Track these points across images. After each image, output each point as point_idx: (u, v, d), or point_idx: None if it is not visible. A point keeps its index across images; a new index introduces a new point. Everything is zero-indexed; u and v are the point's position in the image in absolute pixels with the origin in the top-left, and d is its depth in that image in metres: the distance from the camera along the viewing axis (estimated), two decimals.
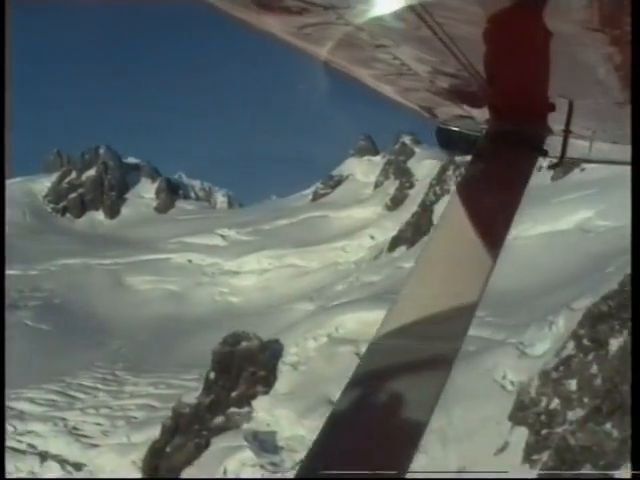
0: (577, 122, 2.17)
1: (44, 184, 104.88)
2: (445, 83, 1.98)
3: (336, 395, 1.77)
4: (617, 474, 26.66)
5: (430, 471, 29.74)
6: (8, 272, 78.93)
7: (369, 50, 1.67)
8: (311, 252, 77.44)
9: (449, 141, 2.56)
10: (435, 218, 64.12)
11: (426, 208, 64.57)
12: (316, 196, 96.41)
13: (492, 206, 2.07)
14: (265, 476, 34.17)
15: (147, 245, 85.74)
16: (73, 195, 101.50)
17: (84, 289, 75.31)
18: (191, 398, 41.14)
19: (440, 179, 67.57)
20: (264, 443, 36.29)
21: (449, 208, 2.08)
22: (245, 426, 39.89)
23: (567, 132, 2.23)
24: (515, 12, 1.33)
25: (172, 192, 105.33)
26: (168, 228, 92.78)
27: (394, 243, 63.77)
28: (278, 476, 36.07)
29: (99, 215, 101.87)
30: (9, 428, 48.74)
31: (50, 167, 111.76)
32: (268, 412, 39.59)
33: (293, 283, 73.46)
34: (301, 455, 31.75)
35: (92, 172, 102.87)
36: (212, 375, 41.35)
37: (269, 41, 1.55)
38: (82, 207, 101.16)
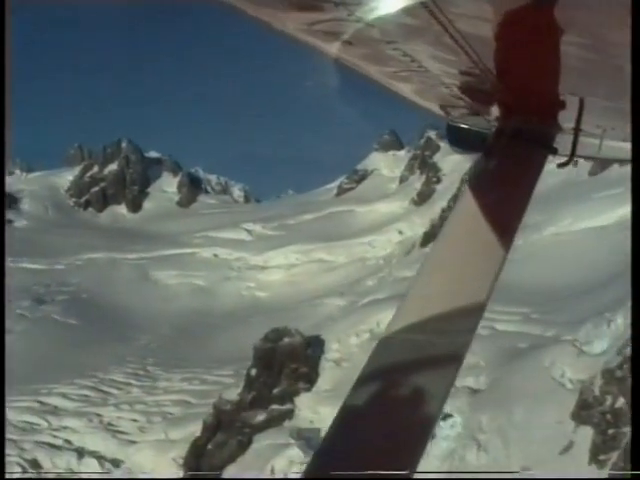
0: (587, 120, 2.17)
1: (66, 178, 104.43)
2: (456, 80, 1.97)
3: None
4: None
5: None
6: (33, 266, 78.81)
7: (380, 47, 1.65)
8: (338, 247, 76.79)
9: (459, 138, 2.52)
10: None
11: None
12: (340, 191, 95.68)
13: (502, 203, 2.06)
14: None
15: (172, 239, 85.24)
16: (95, 189, 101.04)
17: (111, 283, 74.90)
18: (232, 394, 40.66)
19: None
20: (310, 441, 35.77)
21: (459, 205, 2.09)
22: (287, 423, 39.44)
23: (577, 130, 2.22)
24: (526, 9, 1.34)
25: (194, 186, 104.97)
26: (192, 222, 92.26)
27: (427, 238, 63.11)
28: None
29: (121, 209, 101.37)
30: (43, 423, 48.48)
31: (72, 161, 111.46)
32: (311, 409, 39.11)
33: (321, 278, 72.88)
34: None
35: (114, 166, 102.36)
36: (253, 371, 40.85)
37: (284, 40, 1.55)
38: (104, 201, 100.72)
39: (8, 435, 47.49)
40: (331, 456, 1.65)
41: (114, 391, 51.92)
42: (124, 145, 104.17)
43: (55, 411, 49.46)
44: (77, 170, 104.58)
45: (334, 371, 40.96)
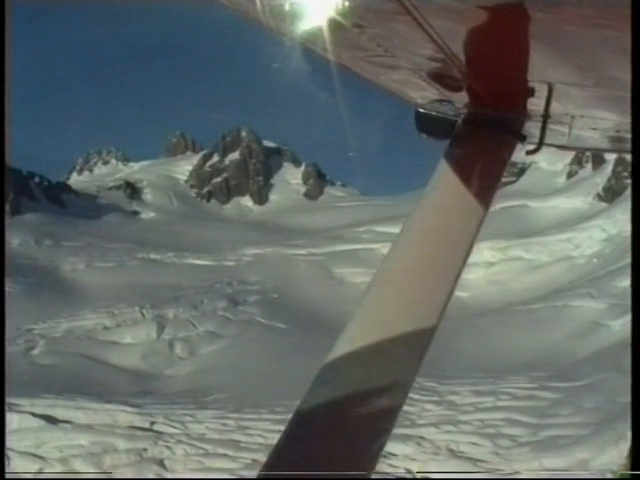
0: (556, 108, 2.11)
1: (182, 167, 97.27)
2: (424, 67, 1.92)
3: None
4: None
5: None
6: (200, 262, 72.01)
7: (346, 32, 1.60)
8: (535, 244, 71.02)
9: (428, 126, 2.34)
10: None
11: None
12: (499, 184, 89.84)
13: (469, 192, 1.99)
14: None
15: (334, 234, 78.59)
16: (217, 180, 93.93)
17: (295, 282, 68.27)
18: None
19: None
20: None
21: (425, 196, 2.01)
22: None
23: (546, 118, 2.15)
24: None
25: (320, 178, 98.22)
26: (335, 215, 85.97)
27: None
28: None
29: (246, 201, 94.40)
30: None
31: (174, 150, 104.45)
32: None
33: (527, 277, 67.04)
34: None
35: (235, 155, 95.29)
36: None
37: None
38: (228, 192, 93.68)
39: None
40: (284, 459, 1.62)
41: (405, 407, 45.25)
42: (244, 134, 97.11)
43: None
44: (195, 159, 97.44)
45: None
